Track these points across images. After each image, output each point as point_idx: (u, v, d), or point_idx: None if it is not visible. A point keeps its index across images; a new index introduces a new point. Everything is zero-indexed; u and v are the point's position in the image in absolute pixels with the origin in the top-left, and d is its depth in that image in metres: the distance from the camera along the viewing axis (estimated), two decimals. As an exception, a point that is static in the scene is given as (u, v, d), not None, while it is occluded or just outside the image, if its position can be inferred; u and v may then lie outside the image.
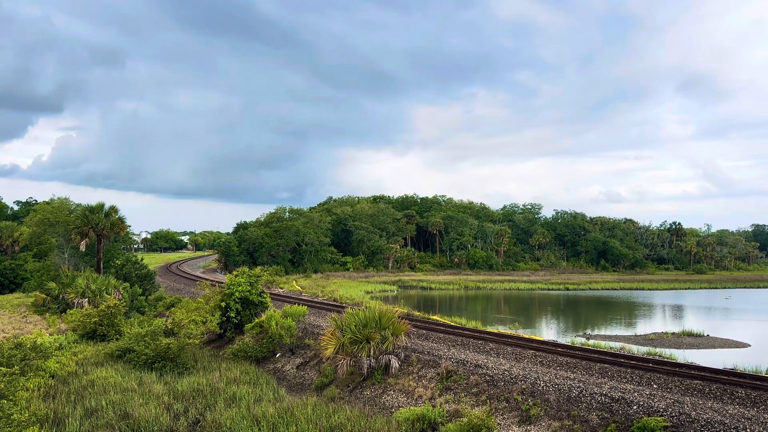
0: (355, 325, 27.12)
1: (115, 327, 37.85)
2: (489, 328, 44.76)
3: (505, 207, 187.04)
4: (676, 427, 17.74)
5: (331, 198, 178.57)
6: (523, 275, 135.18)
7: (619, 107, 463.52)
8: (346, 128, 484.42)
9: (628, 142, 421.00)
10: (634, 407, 19.39)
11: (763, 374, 26.43)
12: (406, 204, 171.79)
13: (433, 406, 22.49)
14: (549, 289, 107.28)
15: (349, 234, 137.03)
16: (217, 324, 37.99)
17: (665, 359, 30.88)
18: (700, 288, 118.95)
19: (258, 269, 42.13)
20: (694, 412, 18.40)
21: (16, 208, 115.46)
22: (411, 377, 26.00)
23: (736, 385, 21.43)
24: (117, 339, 35.11)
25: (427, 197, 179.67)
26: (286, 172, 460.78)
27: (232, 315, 37.54)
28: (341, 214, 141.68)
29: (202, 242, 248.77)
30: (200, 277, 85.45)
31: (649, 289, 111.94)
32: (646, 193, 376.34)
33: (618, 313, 72.18)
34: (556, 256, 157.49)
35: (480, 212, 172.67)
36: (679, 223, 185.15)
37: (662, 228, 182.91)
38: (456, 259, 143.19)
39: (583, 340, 44.33)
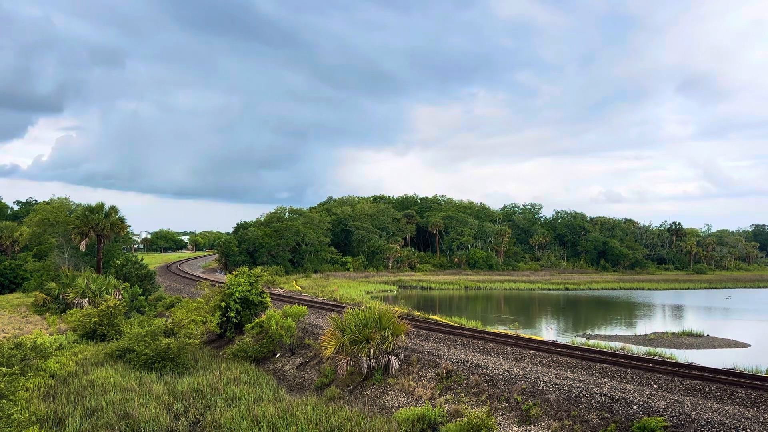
0: (355, 325, 27.12)
1: (115, 327, 37.85)
2: (489, 328, 44.76)
3: (505, 207, 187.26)
4: (676, 427, 17.74)
5: (331, 198, 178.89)
6: (523, 275, 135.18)
7: (619, 107, 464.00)
8: (346, 128, 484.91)
9: (628, 142, 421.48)
10: (634, 407, 19.39)
11: (763, 374, 26.44)
12: (406, 204, 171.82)
13: (433, 406, 22.49)
14: (549, 289, 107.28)
15: (349, 234, 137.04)
16: (217, 324, 37.99)
17: (665, 359, 30.89)
18: (700, 288, 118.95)
19: (258, 269, 42.13)
20: (694, 412, 18.40)
21: (16, 208, 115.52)
22: (411, 377, 26.00)
23: (736, 385, 21.43)
24: (117, 339, 35.10)
25: (427, 197, 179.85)
26: (286, 172, 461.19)
27: (232, 315, 37.54)
28: (341, 214, 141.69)
29: (202, 242, 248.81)
30: (200, 277, 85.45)
31: (649, 289, 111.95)
32: (646, 193, 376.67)
33: (618, 313, 72.18)
34: (556, 256, 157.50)
35: (480, 212, 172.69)
36: (679, 223, 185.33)
37: (662, 228, 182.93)
38: (456, 259, 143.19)
39: (583, 340, 44.34)
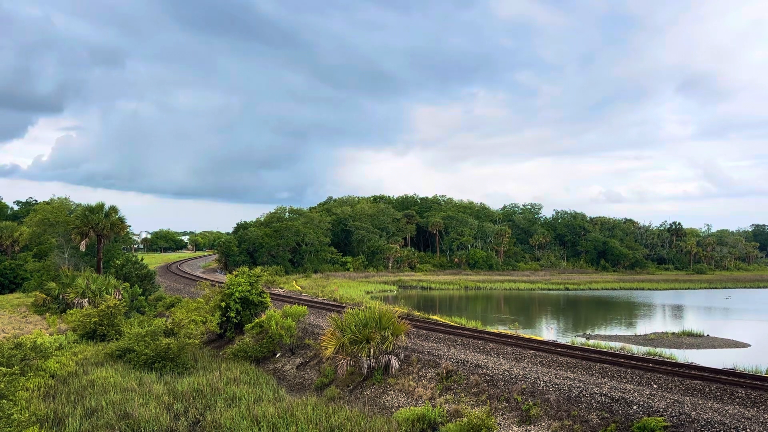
0: (355, 325, 27.12)
1: (115, 327, 37.85)
2: (489, 328, 44.76)
3: (505, 207, 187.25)
4: (676, 427, 17.74)
5: (331, 198, 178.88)
6: (523, 275, 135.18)
7: (619, 107, 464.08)
8: (346, 128, 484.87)
9: (628, 142, 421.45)
10: (634, 407, 19.39)
11: (763, 374, 26.44)
12: (406, 204, 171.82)
13: (433, 406, 22.49)
14: (549, 289, 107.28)
15: (349, 234, 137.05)
16: (217, 324, 37.99)
17: (665, 359, 30.89)
18: (700, 288, 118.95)
19: (258, 269, 42.13)
20: (694, 412, 18.40)
21: (16, 208, 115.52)
22: (411, 377, 26.00)
23: (736, 385, 21.43)
24: (117, 339, 35.10)
25: (427, 197, 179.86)
26: (286, 172, 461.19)
27: (232, 315, 37.54)
28: (341, 214, 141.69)
29: (202, 242, 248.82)
30: (200, 277, 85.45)
31: (649, 289, 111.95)
32: (646, 193, 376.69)
33: (618, 313, 72.18)
34: (556, 256, 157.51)
35: (480, 212, 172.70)
36: (679, 223, 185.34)
37: (662, 228, 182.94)
38: (456, 259, 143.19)
39: (583, 340, 44.34)
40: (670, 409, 18.81)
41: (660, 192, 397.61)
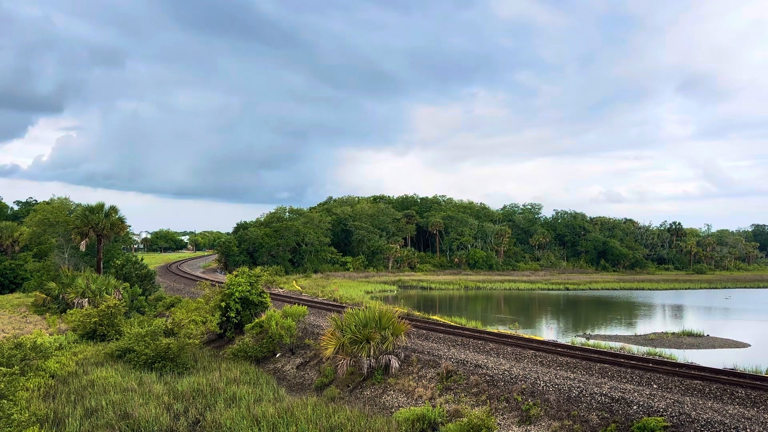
0: (355, 325, 27.12)
1: (115, 327, 37.85)
2: (489, 328, 44.76)
3: (505, 207, 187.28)
4: (676, 427, 17.74)
5: (331, 198, 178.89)
6: (523, 275, 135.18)
7: (619, 107, 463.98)
8: (346, 128, 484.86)
9: (628, 142, 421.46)
10: (634, 407, 19.39)
11: (763, 374, 26.44)
12: (406, 204, 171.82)
13: (433, 406, 22.49)
14: (549, 289, 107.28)
15: (349, 234, 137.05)
16: (217, 324, 38.00)
17: (665, 359, 30.89)
18: (700, 288, 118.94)
19: (258, 269, 42.13)
20: (694, 412, 18.40)
21: (16, 208, 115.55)
22: (411, 377, 26.00)
23: (736, 385, 21.43)
24: (117, 339, 35.10)
25: (427, 197, 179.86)
26: (286, 172, 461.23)
27: (232, 315, 37.54)
28: (341, 214, 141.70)
29: (202, 242, 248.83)
30: (200, 277, 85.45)
31: (649, 289, 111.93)
32: (646, 193, 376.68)
33: (618, 313, 72.18)
34: (556, 256, 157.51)
35: (480, 212, 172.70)
36: (679, 223, 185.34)
37: (662, 228, 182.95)
38: (456, 259, 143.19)
39: (583, 340, 44.33)
40: (670, 409, 18.81)
41: (660, 192, 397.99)
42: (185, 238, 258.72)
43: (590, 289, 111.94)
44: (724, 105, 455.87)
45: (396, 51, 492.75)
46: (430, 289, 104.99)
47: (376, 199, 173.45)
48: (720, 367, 28.43)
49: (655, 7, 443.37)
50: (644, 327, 56.27)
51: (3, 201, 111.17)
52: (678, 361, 28.88)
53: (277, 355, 33.59)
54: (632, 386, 22.20)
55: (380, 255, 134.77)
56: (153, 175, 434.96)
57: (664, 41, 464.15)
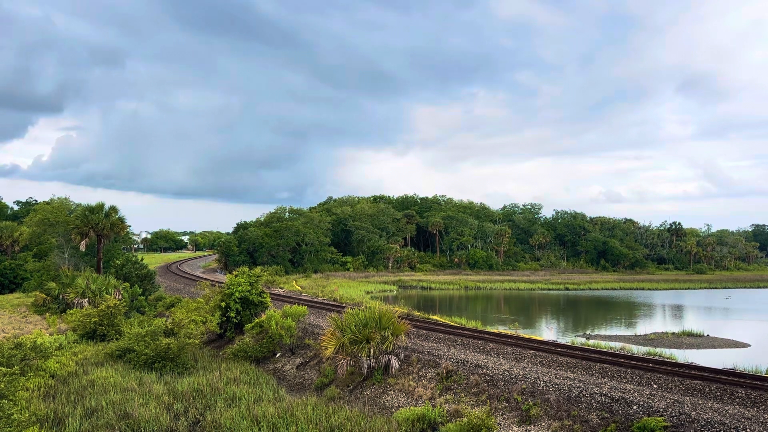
0: (355, 325, 27.11)
1: (115, 327, 37.85)
2: (489, 328, 44.76)
3: (505, 207, 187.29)
4: (676, 427, 17.74)
5: (331, 198, 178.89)
6: (523, 275, 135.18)
7: (619, 107, 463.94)
8: (346, 128, 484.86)
9: (628, 142, 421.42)
10: (634, 407, 19.39)
11: (763, 374, 26.44)
12: (406, 204, 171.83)
13: (433, 406, 22.49)
14: (549, 289, 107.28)
15: (349, 234, 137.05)
16: (217, 324, 37.99)
17: (665, 359, 30.89)
18: (700, 288, 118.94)
19: (258, 269, 42.12)
20: (694, 412, 18.40)
21: (16, 208, 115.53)
22: (411, 377, 26.00)
23: (736, 385, 21.43)
24: (117, 339, 35.10)
25: (427, 197, 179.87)
26: (286, 172, 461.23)
27: (232, 315, 37.54)
28: (341, 214, 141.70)
29: (202, 242, 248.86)
30: (200, 277, 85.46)
31: (649, 289, 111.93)
32: (646, 193, 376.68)
33: (618, 313, 72.18)
34: (556, 256, 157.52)
35: (480, 212, 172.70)
36: (679, 223, 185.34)
37: (662, 228, 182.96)
38: (456, 259, 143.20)
39: (583, 340, 44.33)
40: (670, 409, 18.81)
41: (660, 192, 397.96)
42: (185, 238, 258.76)
43: (590, 289, 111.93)
44: (724, 105, 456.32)
45: (396, 51, 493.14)
46: (430, 289, 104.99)
47: (376, 199, 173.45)
48: (720, 367, 28.43)
49: (655, 7, 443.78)
50: (644, 327, 56.27)
51: (3, 201, 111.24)
52: (678, 361, 28.87)
53: (277, 355, 33.59)
54: (632, 386, 22.20)
55: (380, 255, 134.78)
56: (153, 175, 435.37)
57: (664, 41, 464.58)
